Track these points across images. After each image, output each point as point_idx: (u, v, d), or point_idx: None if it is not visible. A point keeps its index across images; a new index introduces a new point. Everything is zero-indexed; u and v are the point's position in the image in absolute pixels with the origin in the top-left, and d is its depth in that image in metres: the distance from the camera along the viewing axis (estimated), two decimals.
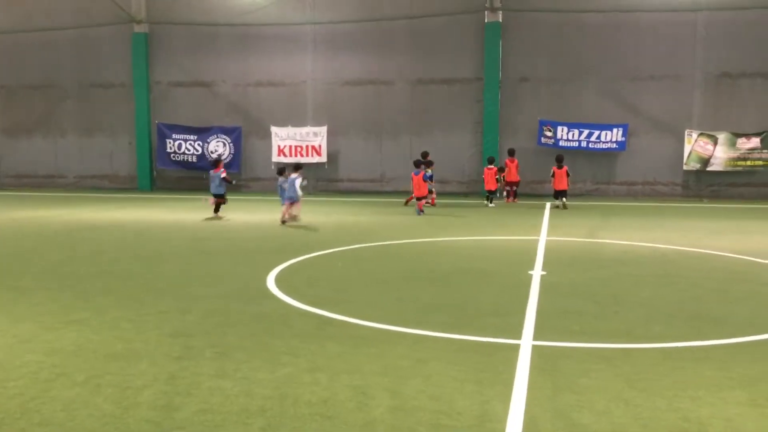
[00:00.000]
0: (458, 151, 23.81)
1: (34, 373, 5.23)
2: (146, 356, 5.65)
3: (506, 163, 21.28)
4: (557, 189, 19.54)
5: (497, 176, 20.53)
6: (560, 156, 20.26)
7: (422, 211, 17.47)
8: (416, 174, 17.83)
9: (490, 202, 19.89)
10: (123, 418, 4.38)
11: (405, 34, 24.23)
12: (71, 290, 8.29)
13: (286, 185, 15.75)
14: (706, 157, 22.21)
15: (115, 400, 4.67)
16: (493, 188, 20.17)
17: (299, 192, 15.58)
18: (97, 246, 12.15)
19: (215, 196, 16.77)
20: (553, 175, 19.74)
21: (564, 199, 19.27)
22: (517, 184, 21.31)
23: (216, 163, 17.48)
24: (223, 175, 16.74)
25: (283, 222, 15.40)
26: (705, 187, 22.76)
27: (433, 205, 19.36)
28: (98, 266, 10.02)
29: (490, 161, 20.71)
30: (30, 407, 4.56)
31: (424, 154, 20.45)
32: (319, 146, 24.81)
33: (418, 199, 17.77)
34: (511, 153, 21.29)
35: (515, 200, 21.16)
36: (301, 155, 24.92)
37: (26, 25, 27.17)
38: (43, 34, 27.10)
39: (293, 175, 15.72)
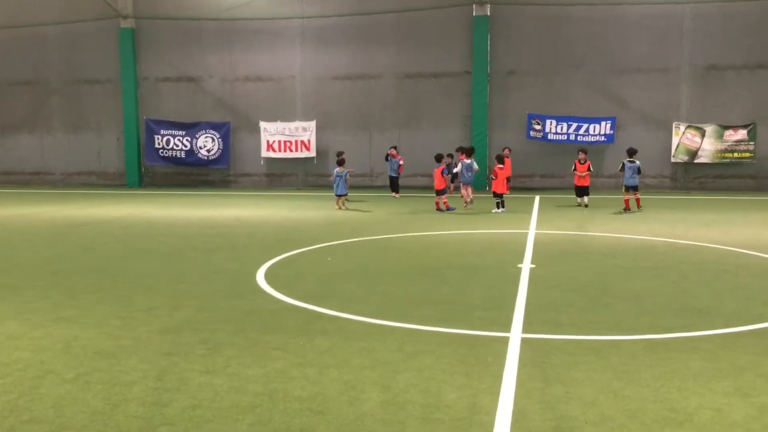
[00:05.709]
0: (447, 145, 23.72)
1: (23, 371, 5.20)
2: (135, 353, 5.63)
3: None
4: (584, 185, 17.71)
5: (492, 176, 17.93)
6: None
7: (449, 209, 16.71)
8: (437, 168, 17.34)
9: (499, 208, 16.72)
10: (112, 414, 4.37)
11: (393, 28, 24.18)
12: (59, 287, 8.25)
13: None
14: (694, 149, 22.32)
15: (104, 397, 4.66)
16: (504, 191, 17.04)
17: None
18: (85, 243, 12.09)
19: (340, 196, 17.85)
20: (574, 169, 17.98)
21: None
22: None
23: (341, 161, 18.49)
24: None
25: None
26: (693, 179, 22.88)
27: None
28: (87, 263, 9.97)
29: (499, 159, 17.57)
30: (19, 404, 4.54)
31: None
32: (308, 141, 24.75)
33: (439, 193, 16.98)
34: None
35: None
36: (291, 150, 24.87)
37: (11, 21, 26.92)
38: (28, 30, 26.89)
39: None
